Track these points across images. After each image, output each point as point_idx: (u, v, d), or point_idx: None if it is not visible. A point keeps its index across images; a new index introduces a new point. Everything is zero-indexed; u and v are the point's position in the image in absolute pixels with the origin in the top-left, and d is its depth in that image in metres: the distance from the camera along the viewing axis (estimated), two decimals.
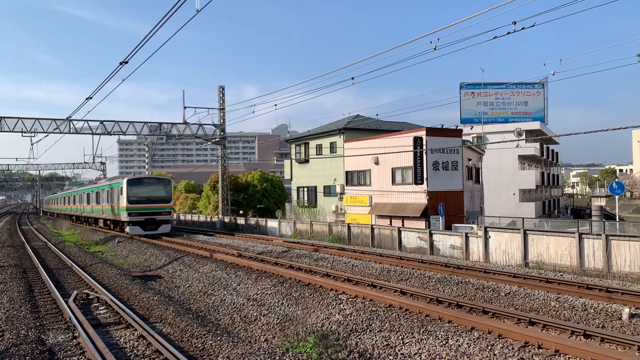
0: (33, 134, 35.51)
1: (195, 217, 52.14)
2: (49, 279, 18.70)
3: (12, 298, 15.86)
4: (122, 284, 19.15)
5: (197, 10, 12.92)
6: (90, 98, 22.69)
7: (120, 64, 16.48)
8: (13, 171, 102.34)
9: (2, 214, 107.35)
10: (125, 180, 33.15)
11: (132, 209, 32.74)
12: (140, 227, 32.98)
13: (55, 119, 35.78)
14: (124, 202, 32.79)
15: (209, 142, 46.10)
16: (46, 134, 36.37)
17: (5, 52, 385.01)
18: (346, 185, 37.59)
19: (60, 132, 36.07)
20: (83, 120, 36.77)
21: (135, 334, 11.60)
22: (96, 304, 15.03)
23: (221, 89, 43.71)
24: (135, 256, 27.04)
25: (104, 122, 37.23)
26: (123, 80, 20.68)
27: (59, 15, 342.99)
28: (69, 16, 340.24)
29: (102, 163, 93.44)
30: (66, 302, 14.43)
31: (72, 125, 36.21)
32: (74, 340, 11.24)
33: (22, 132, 34.81)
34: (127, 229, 33.37)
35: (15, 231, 49.23)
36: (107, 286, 18.47)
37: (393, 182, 32.89)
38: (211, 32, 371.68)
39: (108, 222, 38.96)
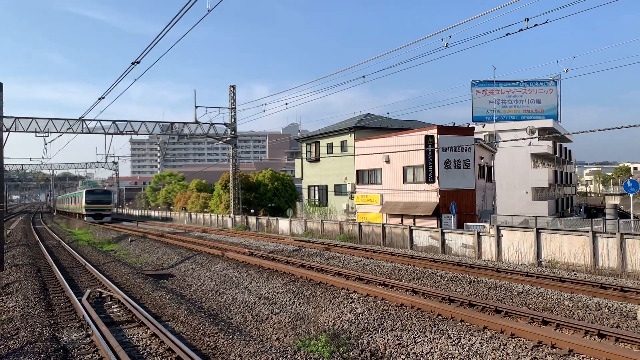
0: (46, 134, 35.85)
1: (207, 216, 52.39)
2: (62, 278, 18.89)
3: (27, 296, 16.04)
4: (135, 282, 19.29)
5: (209, 10, 12.96)
6: (103, 98, 22.88)
7: (132, 63, 16.59)
8: (27, 171, 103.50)
9: (16, 213, 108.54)
10: (84, 191, 59.63)
11: (87, 207, 57.03)
12: (92, 217, 56.52)
13: (68, 119, 36.10)
14: (83, 203, 57.59)
15: (220, 142, 46.27)
16: (59, 134, 36.74)
17: (18, 53, 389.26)
18: (357, 184, 37.52)
19: (74, 132, 36.40)
20: (96, 120, 37.10)
21: (148, 332, 11.68)
22: (109, 303, 15.16)
23: (232, 89, 43.83)
24: (147, 255, 27.22)
25: (117, 122, 37.49)
26: (135, 80, 20.82)
27: (71, 16, 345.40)
28: (81, 17, 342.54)
29: (115, 162, 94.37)
30: (80, 301, 14.58)
31: (84, 125, 36.50)
32: (88, 339, 11.35)
33: (35, 132, 35.15)
34: (85, 218, 57.44)
35: (29, 230, 49.78)
36: (120, 285, 18.61)
37: (404, 180, 32.79)
38: (222, 32, 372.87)
39: (79, 215, 61.55)
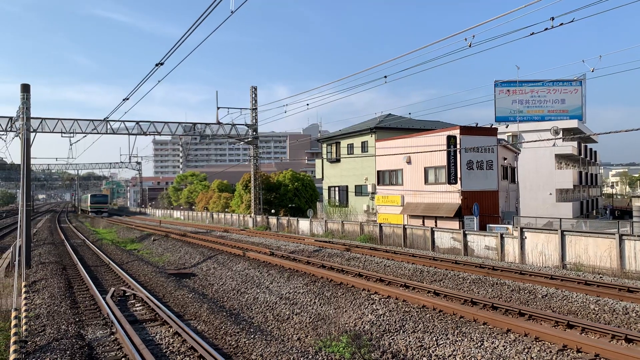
0: (72, 135, 36.38)
1: (228, 216, 52.77)
2: (87, 276, 19.21)
3: (53, 294, 16.35)
4: (158, 281, 19.51)
5: (232, 12, 13.03)
6: (127, 99, 23.20)
7: (156, 65, 16.78)
8: (53, 170, 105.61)
9: (42, 212, 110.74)
10: (89, 195, 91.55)
11: (91, 206, 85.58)
12: (94, 213, 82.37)
13: (93, 120, 36.67)
14: (88, 203, 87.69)
15: (242, 142, 46.53)
16: (84, 135, 37.31)
17: (44, 56, 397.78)
18: (378, 184, 37.39)
19: (98, 133, 36.91)
20: (120, 121, 37.57)
21: (171, 330, 11.81)
22: (132, 301, 15.35)
23: (253, 90, 44.06)
24: (170, 254, 27.52)
25: (140, 123, 37.95)
26: (159, 81, 21.04)
27: (95, 18, 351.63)
28: (105, 19, 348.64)
29: (138, 163, 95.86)
30: (104, 299, 14.80)
31: (109, 126, 37.03)
32: (112, 336, 11.52)
33: (61, 132, 35.73)
34: (90, 214, 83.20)
35: (55, 229, 50.76)
36: (143, 283, 18.84)
37: (426, 181, 32.55)
38: (243, 33, 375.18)
39: (87, 212, 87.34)
